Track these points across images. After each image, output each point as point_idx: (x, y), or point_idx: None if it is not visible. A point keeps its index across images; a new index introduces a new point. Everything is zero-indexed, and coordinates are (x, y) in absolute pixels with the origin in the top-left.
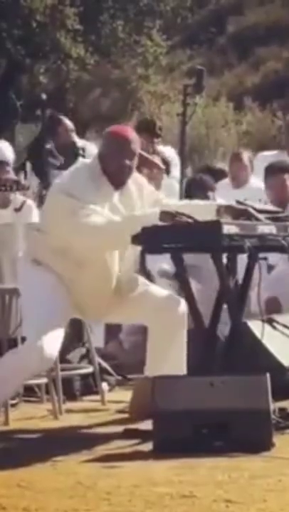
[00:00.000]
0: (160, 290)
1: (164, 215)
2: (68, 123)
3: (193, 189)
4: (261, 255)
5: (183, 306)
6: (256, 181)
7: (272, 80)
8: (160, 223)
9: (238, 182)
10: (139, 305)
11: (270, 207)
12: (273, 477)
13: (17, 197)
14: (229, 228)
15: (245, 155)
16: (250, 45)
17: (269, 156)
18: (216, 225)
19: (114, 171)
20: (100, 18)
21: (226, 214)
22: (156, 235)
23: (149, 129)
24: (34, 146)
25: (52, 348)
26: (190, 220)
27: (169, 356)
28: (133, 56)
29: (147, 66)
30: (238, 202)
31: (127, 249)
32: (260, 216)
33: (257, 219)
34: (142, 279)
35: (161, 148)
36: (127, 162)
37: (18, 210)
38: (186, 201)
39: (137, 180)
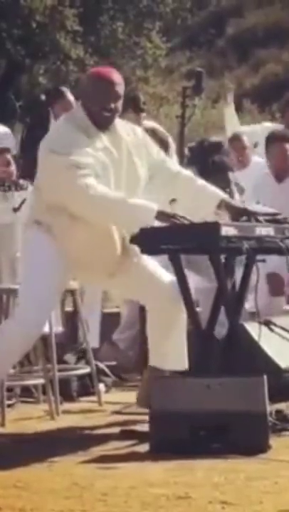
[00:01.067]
0: (166, 274)
1: (161, 215)
2: (71, 98)
3: (213, 171)
4: (259, 257)
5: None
6: (255, 158)
7: (271, 82)
8: (154, 222)
9: (242, 163)
10: (146, 280)
11: (268, 209)
12: (270, 479)
13: (16, 196)
14: (227, 230)
15: (244, 136)
16: (250, 47)
17: (271, 127)
18: (214, 227)
19: (98, 113)
20: (100, 20)
21: (226, 211)
22: (154, 236)
23: (134, 106)
24: (26, 138)
25: (45, 314)
26: (186, 222)
27: (170, 342)
28: (132, 58)
29: (147, 68)
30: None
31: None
32: (259, 217)
33: (257, 219)
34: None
35: (151, 124)
36: (112, 105)
37: (16, 209)
38: (192, 177)
39: (126, 126)
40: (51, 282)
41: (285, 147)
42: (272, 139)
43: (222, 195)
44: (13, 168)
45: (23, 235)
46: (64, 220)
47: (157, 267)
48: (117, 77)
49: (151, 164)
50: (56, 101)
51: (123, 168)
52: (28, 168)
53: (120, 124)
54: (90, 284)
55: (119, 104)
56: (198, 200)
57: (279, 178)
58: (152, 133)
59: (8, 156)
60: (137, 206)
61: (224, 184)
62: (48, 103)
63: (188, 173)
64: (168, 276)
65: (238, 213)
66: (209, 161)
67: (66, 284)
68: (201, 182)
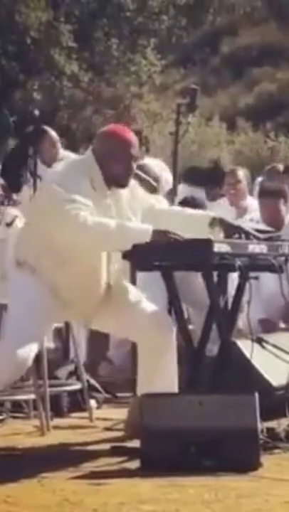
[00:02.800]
0: (150, 306)
1: (157, 234)
2: (53, 135)
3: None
4: (252, 274)
5: (172, 325)
6: (251, 200)
7: (265, 101)
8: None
9: (236, 198)
10: (129, 318)
11: (262, 226)
12: (260, 497)
13: (8, 212)
14: (220, 247)
15: (240, 170)
16: (244, 65)
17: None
18: (206, 244)
19: (119, 174)
20: (95, 36)
21: (219, 227)
22: (147, 253)
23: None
24: (8, 158)
25: (25, 357)
26: (179, 238)
27: (159, 376)
28: (127, 74)
29: (141, 84)
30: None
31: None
32: (254, 232)
33: (248, 236)
34: (134, 290)
35: (150, 162)
36: (132, 165)
37: (9, 225)
38: (180, 209)
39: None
40: (36, 323)
41: (278, 201)
42: (264, 193)
43: (212, 214)
44: None
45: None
46: (50, 261)
47: (141, 301)
48: (134, 137)
49: (143, 215)
50: (41, 139)
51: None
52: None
53: None
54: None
55: (135, 165)
56: (190, 225)
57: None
58: (145, 170)
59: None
60: (132, 229)
61: None
62: (32, 142)
63: (176, 207)
64: (153, 307)
65: (231, 229)
66: None
67: (53, 322)
68: (190, 210)
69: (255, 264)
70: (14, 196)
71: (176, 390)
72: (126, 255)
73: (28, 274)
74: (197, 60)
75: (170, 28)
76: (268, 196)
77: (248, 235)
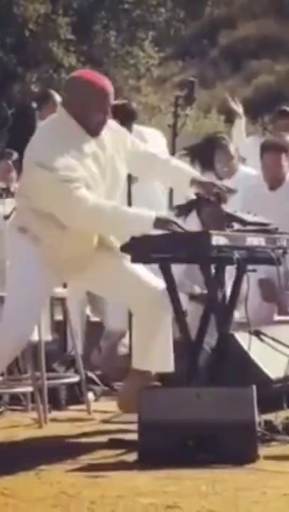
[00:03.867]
0: (152, 277)
1: (158, 221)
2: (57, 98)
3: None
4: (250, 267)
5: (169, 304)
6: (244, 168)
7: (263, 94)
8: (152, 230)
9: (229, 173)
10: (129, 283)
11: (259, 219)
12: (258, 489)
13: (6, 204)
14: (218, 239)
15: (231, 146)
16: (242, 58)
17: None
18: (204, 236)
19: (95, 123)
20: (93, 29)
21: (198, 188)
22: (145, 245)
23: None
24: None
25: (26, 328)
26: (181, 230)
27: (155, 350)
28: (125, 67)
29: (139, 77)
30: (227, 214)
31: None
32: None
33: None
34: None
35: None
36: (108, 115)
37: (7, 217)
38: (165, 159)
39: (110, 126)
40: (37, 291)
41: (279, 156)
42: (266, 148)
43: (192, 173)
44: (13, 174)
45: (8, 241)
46: (54, 229)
47: (146, 272)
48: (110, 86)
49: (128, 157)
50: (44, 104)
51: (108, 169)
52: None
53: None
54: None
55: (110, 110)
56: (174, 176)
57: (272, 187)
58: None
59: (10, 162)
60: (135, 215)
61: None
62: (38, 108)
63: (164, 155)
64: (156, 281)
65: (208, 186)
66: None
67: (52, 290)
68: (175, 162)
69: (253, 257)
70: (12, 188)
71: (171, 368)
72: (124, 247)
73: (30, 244)
74: (195, 53)
75: (168, 20)
76: (271, 150)
77: (222, 197)
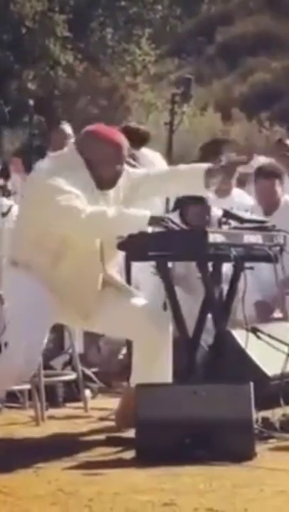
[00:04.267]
0: (146, 303)
1: (153, 220)
2: (66, 129)
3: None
4: (247, 264)
5: (168, 320)
6: (239, 191)
7: (260, 91)
8: (148, 228)
9: (222, 192)
10: (125, 316)
11: (256, 216)
12: (255, 486)
13: (4, 202)
14: (215, 237)
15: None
16: (239, 55)
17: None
18: (201, 234)
19: (107, 177)
20: (90, 26)
21: (219, 174)
22: (142, 243)
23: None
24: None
25: (35, 353)
26: (177, 228)
27: (154, 373)
28: (121, 64)
29: (136, 74)
30: (225, 211)
31: (110, 248)
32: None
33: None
34: (128, 288)
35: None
36: (121, 168)
37: (4, 215)
38: (170, 168)
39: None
40: (37, 322)
41: (273, 182)
42: (260, 174)
43: (204, 165)
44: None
45: (2, 275)
46: (46, 259)
47: (136, 298)
48: (123, 139)
49: (132, 189)
50: (53, 131)
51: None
52: None
53: None
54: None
55: (124, 166)
56: (186, 177)
57: (267, 212)
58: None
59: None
60: (130, 216)
61: (205, 212)
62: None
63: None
64: (148, 304)
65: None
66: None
67: (53, 321)
68: (182, 166)
69: (251, 254)
70: (9, 186)
71: (170, 380)
72: (121, 245)
73: (24, 273)
74: (192, 50)
75: (165, 17)
76: (264, 177)
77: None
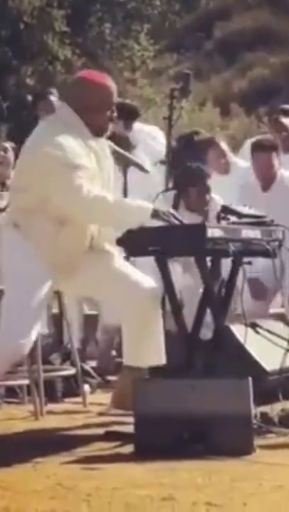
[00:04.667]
0: (139, 274)
1: (156, 213)
2: (54, 99)
3: (190, 178)
4: (245, 259)
5: (157, 290)
6: (240, 163)
7: (258, 86)
8: (150, 220)
9: (224, 169)
10: (117, 284)
11: (255, 212)
12: (254, 481)
13: (2, 197)
14: (213, 232)
15: (221, 143)
16: (237, 50)
17: None
18: (200, 229)
19: (101, 123)
20: (88, 21)
21: None
22: (141, 238)
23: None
24: None
25: (27, 334)
26: (178, 222)
27: (146, 345)
28: (120, 59)
29: (134, 70)
30: (224, 206)
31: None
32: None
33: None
34: (121, 257)
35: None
36: (114, 114)
37: (2, 210)
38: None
39: None
40: (35, 291)
41: (270, 155)
42: (257, 148)
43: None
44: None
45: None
46: (47, 225)
47: (134, 271)
48: (113, 84)
49: None
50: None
51: (105, 170)
52: None
53: None
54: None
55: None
56: None
57: (264, 187)
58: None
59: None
60: (133, 207)
61: (204, 191)
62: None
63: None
64: (145, 279)
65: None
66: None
67: (50, 289)
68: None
69: (249, 249)
70: (8, 181)
71: (163, 361)
72: (120, 241)
73: (22, 238)
74: (190, 45)
75: (163, 13)
76: (261, 150)
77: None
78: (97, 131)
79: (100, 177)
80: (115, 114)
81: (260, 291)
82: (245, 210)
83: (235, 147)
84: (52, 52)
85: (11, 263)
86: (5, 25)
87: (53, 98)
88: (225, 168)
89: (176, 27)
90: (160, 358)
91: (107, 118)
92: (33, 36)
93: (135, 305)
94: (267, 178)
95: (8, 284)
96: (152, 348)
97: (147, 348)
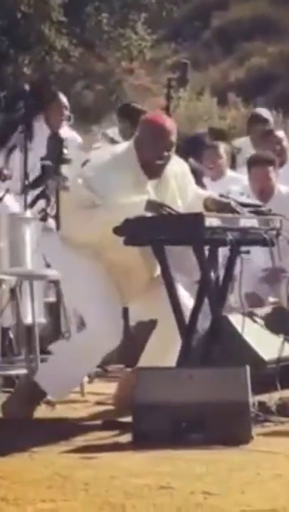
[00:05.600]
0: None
1: (150, 204)
2: (63, 100)
3: None
4: (243, 248)
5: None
6: (232, 173)
7: (256, 76)
8: (146, 213)
9: (216, 173)
10: (157, 300)
11: (252, 201)
12: (252, 470)
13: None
14: (211, 221)
15: (221, 146)
16: (235, 40)
17: (242, 142)
18: (198, 218)
19: (150, 160)
20: (85, 11)
21: (212, 207)
22: (139, 227)
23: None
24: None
25: (117, 325)
26: (173, 212)
27: (165, 358)
28: (117, 49)
29: (132, 59)
30: (221, 195)
31: None
32: (241, 209)
33: (237, 212)
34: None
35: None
36: (164, 152)
37: None
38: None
39: (175, 168)
40: (105, 287)
41: (267, 170)
42: (254, 162)
43: (205, 192)
44: None
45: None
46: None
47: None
48: (170, 125)
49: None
50: (49, 104)
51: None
52: None
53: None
54: None
55: (172, 152)
56: (193, 202)
57: (262, 200)
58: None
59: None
60: (128, 205)
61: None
62: (40, 106)
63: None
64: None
65: (222, 207)
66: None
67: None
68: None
69: (247, 239)
70: (5, 171)
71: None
72: (117, 230)
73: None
74: (188, 35)
75: (160, 2)
76: (258, 165)
77: (235, 212)
78: (150, 171)
79: None
80: (170, 156)
81: (256, 305)
82: (243, 199)
83: (234, 136)
84: (49, 42)
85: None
86: (2, 14)
87: (63, 97)
88: (219, 172)
89: (174, 16)
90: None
91: (154, 156)
92: (30, 26)
93: (170, 331)
94: (264, 193)
95: (79, 288)
96: (168, 360)
97: (165, 358)
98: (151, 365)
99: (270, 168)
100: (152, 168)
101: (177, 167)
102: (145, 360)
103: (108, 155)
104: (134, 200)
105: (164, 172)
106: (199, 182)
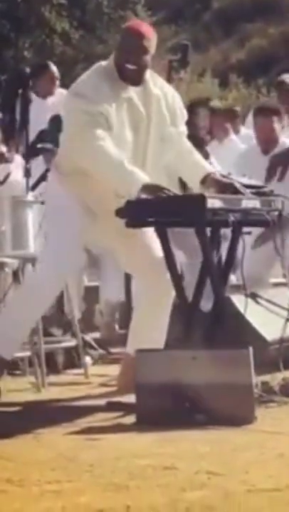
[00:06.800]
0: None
1: (147, 188)
2: (54, 70)
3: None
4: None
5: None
6: (245, 130)
7: (257, 57)
8: (138, 194)
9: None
10: (142, 260)
11: (254, 182)
12: (255, 450)
13: (0, 169)
14: (213, 202)
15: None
16: (236, 21)
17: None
18: (199, 199)
19: (120, 62)
20: None
21: (212, 185)
22: (140, 209)
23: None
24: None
25: (67, 267)
26: (171, 195)
27: (151, 333)
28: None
29: None
30: (223, 176)
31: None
32: (245, 190)
33: (241, 193)
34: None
35: None
36: (136, 58)
37: (1, 183)
38: (190, 150)
39: (162, 86)
40: (71, 239)
41: (272, 119)
42: (259, 111)
43: (209, 169)
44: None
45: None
46: (78, 177)
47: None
48: (146, 30)
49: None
50: (41, 75)
51: (152, 123)
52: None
53: (154, 81)
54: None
55: (147, 58)
56: (187, 172)
57: (265, 150)
58: None
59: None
60: (128, 173)
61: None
62: (33, 78)
63: (189, 145)
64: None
65: (223, 186)
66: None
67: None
68: (196, 156)
69: (249, 220)
70: (6, 154)
71: (162, 344)
72: (119, 212)
73: (65, 180)
74: (188, 17)
75: None
76: (263, 114)
77: (238, 192)
78: (124, 76)
79: (132, 129)
80: (145, 62)
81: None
82: (245, 181)
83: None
84: (49, 25)
85: (57, 208)
86: None
87: (54, 69)
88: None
89: None
90: (160, 345)
91: (132, 62)
92: (30, 9)
93: (151, 289)
94: (268, 142)
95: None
96: (155, 338)
97: (151, 337)
98: (144, 325)
99: (275, 118)
100: (124, 72)
101: (168, 91)
102: (133, 339)
103: (94, 68)
104: (136, 175)
105: (143, 82)
106: (203, 152)
